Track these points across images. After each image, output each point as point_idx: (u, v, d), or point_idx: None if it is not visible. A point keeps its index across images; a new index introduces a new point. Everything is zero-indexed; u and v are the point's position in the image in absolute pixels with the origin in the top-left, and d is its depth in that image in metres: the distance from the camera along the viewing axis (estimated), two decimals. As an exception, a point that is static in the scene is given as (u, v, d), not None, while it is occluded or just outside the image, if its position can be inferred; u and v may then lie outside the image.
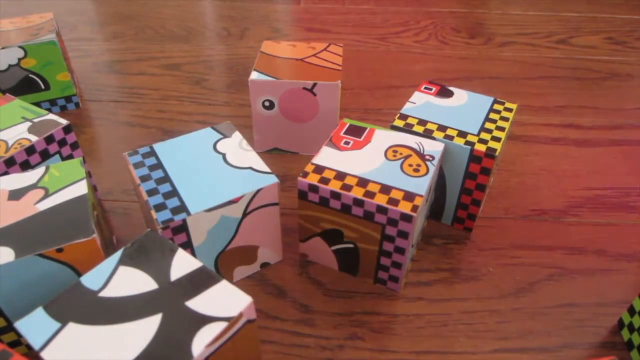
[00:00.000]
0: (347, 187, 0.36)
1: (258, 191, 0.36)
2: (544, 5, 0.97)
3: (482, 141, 0.41)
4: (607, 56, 0.77)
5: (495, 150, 0.40)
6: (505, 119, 0.43)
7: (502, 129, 0.42)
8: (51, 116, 0.41)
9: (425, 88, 0.48)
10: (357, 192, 0.36)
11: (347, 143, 0.41)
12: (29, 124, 0.40)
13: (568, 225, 0.46)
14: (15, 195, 0.34)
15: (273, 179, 0.37)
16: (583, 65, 0.75)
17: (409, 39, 0.82)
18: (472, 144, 0.41)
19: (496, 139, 0.41)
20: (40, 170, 0.36)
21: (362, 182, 0.37)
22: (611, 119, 0.62)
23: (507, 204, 0.49)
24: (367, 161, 0.39)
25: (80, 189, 0.34)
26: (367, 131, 0.42)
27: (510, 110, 0.45)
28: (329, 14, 0.91)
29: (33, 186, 0.34)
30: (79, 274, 0.32)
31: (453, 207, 0.45)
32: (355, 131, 0.42)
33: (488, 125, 0.43)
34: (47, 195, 0.34)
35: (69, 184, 0.35)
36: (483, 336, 0.37)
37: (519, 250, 0.44)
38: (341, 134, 0.42)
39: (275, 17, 0.89)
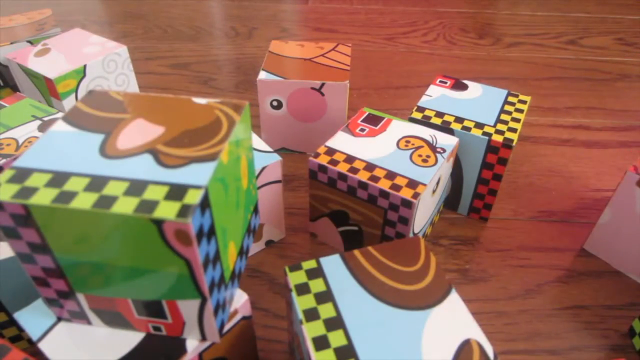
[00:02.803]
0: (354, 170, 0.37)
1: (262, 169, 0.37)
2: (553, 6, 0.96)
3: (499, 132, 0.41)
4: (617, 57, 0.77)
5: (512, 140, 0.40)
6: (520, 111, 0.44)
7: (517, 120, 0.43)
8: (61, 115, 0.41)
9: (440, 82, 0.49)
10: (363, 176, 0.37)
11: (362, 130, 0.41)
12: (39, 122, 0.41)
13: (577, 227, 0.46)
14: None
15: (276, 157, 0.38)
16: (593, 66, 0.74)
17: (417, 39, 0.82)
18: (489, 134, 0.41)
19: (512, 130, 0.42)
20: None
21: (369, 166, 0.38)
22: (621, 120, 0.62)
23: (515, 205, 0.48)
24: (378, 148, 0.39)
25: None
26: (384, 121, 0.43)
27: (524, 102, 0.45)
28: (337, 14, 0.91)
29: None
30: None
31: (470, 197, 0.45)
32: (372, 120, 0.43)
33: (504, 116, 0.43)
34: None
35: None
36: (490, 338, 0.37)
37: (527, 252, 0.43)
38: (359, 121, 0.43)
39: (283, 16, 0.89)
